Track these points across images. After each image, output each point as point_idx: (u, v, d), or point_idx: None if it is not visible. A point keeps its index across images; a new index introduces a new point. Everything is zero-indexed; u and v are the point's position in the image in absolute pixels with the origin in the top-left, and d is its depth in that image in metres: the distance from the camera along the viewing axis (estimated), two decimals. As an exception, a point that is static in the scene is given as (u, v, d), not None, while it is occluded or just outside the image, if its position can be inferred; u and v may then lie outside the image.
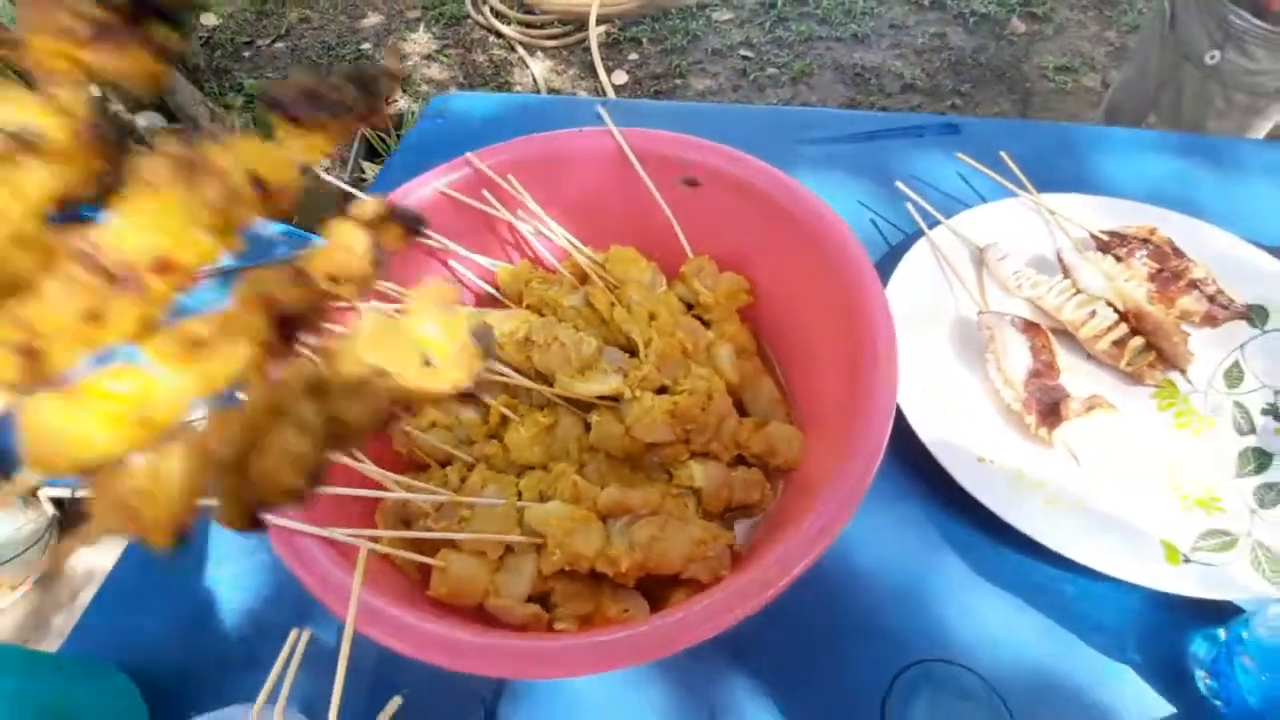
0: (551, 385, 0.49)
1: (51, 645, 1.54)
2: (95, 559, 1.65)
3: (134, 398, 0.19)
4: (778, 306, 0.56)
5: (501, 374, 0.49)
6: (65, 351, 0.19)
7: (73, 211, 0.19)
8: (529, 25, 2.74)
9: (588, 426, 0.49)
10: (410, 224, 0.23)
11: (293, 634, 0.39)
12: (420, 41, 2.85)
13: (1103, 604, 0.46)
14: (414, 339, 0.23)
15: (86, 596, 1.61)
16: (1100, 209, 0.63)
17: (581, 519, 0.43)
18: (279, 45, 3.01)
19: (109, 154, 0.19)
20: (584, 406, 0.50)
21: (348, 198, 1.85)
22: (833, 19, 2.62)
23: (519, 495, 0.45)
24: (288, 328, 0.21)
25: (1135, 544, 0.46)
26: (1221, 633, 0.44)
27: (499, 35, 2.76)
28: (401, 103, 2.58)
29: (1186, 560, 0.46)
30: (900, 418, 0.52)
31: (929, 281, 0.60)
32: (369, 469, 0.43)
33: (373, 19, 3.02)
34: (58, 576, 1.65)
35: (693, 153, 0.55)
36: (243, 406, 0.22)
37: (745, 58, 2.55)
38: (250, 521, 0.21)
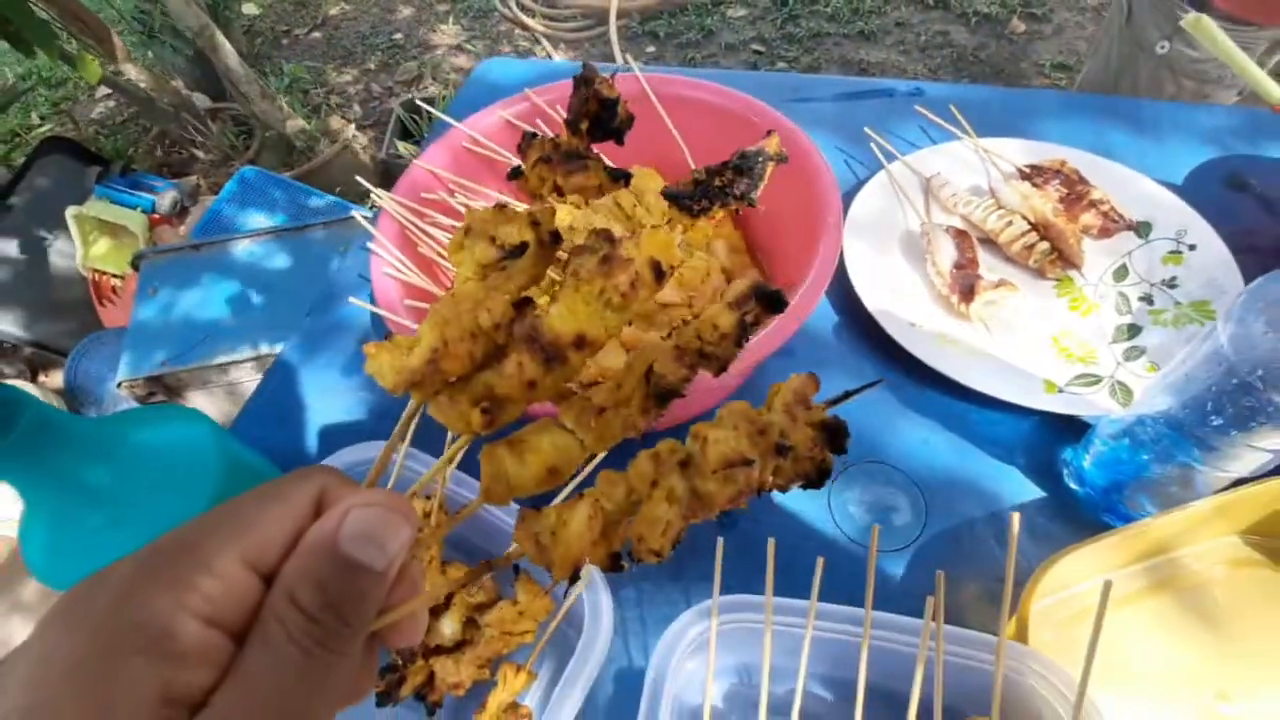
0: (587, 259, 0.65)
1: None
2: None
3: (550, 451, 0.24)
4: (763, 216, 0.72)
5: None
6: (512, 409, 0.24)
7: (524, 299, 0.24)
8: (552, 18, 2.89)
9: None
10: (770, 302, 0.25)
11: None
12: (449, 32, 3.02)
13: (998, 425, 0.61)
14: (771, 433, 0.25)
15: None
16: (1025, 149, 0.78)
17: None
18: (315, 34, 3.19)
19: (553, 256, 0.24)
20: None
21: (388, 171, 1.99)
22: (841, 16, 2.76)
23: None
24: (664, 397, 0.24)
25: (1025, 381, 0.61)
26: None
27: (524, 27, 2.93)
28: (432, 88, 2.75)
29: (1061, 391, 0.61)
30: (855, 298, 0.67)
31: (885, 203, 0.76)
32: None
33: (405, 11, 3.19)
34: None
35: (699, 92, 0.71)
36: (627, 473, 0.25)
37: (757, 52, 2.69)
38: (613, 565, 0.25)
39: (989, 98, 0.91)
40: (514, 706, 0.47)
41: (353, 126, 2.27)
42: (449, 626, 0.47)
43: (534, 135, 0.28)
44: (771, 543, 0.41)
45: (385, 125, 2.49)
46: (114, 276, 1.97)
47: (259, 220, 1.88)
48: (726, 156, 0.72)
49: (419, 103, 0.85)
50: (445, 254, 0.62)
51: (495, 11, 3.03)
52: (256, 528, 0.20)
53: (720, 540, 0.44)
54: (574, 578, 0.24)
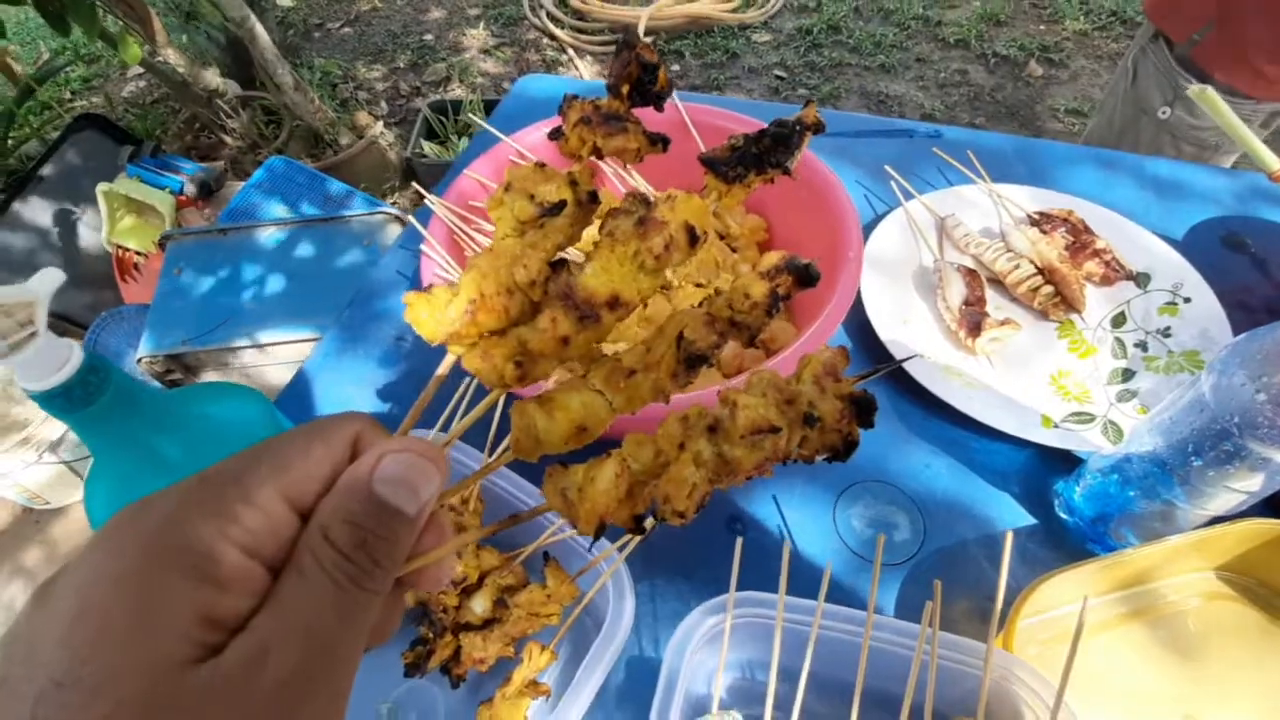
0: (621, 273, 0.69)
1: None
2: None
3: (579, 410, 0.24)
4: (786, 241, 0.76)
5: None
6: (544, 365, 0.24)
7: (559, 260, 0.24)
8: (580, 30, 2.95)
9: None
10: (802, 276, 0.25)
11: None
12: (478, 37, 3.07)
13: (996, 454, 0.65)
14: (800, 403, 0.25)
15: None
16: (1036, 197, 0.83)
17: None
18: (347, 30, 3.25)
19: (590, 215, 0.25)
20: (642, 291, 0.70)
21: (412, 170, 2.04)
22: (863, 49, 2.82)
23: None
24: (693, 363, 0.24)
25: (1023, 415, 0.65)
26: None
27: (552, 37, 2.99)
28: (459, 91, 2.80)
29: (1057, 426, 0.65)
30: (869, 326, 0.72)
31: (902, 239, 0.80)
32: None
33: (436, 13, 3.25)
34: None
35: (733, 124, 0.75)
36: (655, 435, 0.26)
37: (779, 77, 2.75)
38: (635, 525, 0.25)
39: (1003, 144, 0.96)
40: (534, 683, 0.50)
41: (380, 123, 2.31)
42: (480, 605, 0.51)
43: (575, 96, 0.28)
44: (787, 544, 0.45)
45: (410, 123, 2.54)
46: (137, 254, 2.00)
47: (284, 209, 1.92)
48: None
49: (471, 116, 0.90)
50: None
51: (525, 20, 3.09)
52: (296, 466, 0.21)
53: (740, 540, 0.48)
54: (598, 534, 0.25)
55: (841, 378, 0.26)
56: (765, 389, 0.25)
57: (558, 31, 2.94)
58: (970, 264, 0.78)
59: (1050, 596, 0.53)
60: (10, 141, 2.34)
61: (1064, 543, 0.61)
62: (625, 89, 0.27)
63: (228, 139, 2.34)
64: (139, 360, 1.57)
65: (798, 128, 0.28)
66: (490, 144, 0.75)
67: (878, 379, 0.71)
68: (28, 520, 1.84)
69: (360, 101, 2.76)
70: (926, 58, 2.77)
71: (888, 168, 0.85)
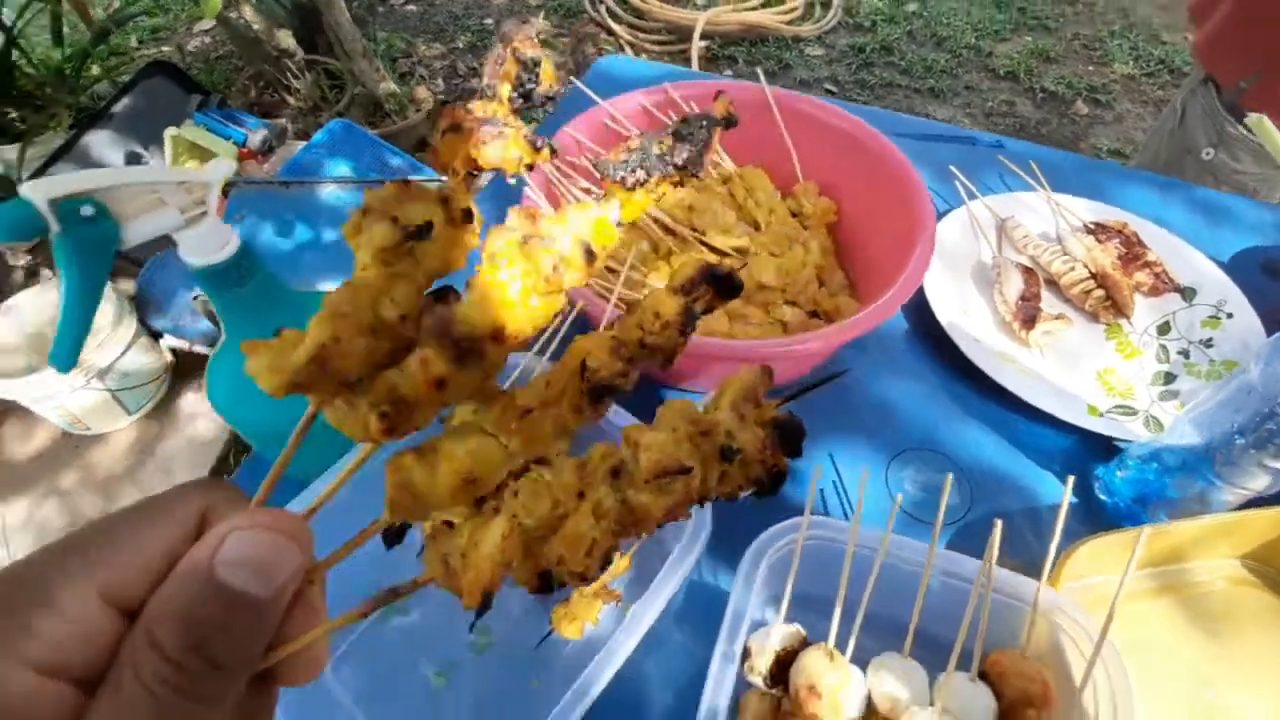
0: (703, 235, 0.73)
1: (159, 468, 1.78)
2: (199, 403, 1.90)
3: (465, 459, 0.21)
4: (857, 221, 0.80)
5: (674, 228, 0.74)
6: (421, 412, 0.21)
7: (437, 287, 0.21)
8: (638, 28, 3.01)
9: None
10: (722, 287, 0.22)
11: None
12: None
13: (1042, 437, 0.70)
14: (716, 435, 0.22)
15: (191, 429, 1.85)
16: (1092, 209, 0.87)
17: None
18: (411, 7, 3.32)
19: (466, 236, 0.21)
20: (719, 254, 0.74)
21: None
22: (914, 71, 2.87)
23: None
24: (599, 394, 0.21)
25: (1071, 403, 0.70)
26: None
27: (610, 33, 3.05)
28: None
29: (1102, 415, 0.69)
30: (926, 311, 0.76)
31: (963, 235, 0.85)
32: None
33: (499, -1, 3.32)
34: (167, 411, 1.90)
35: (818, 111, 0.80)
36: (550, 482, 0.23)
37: (829, 91, 2.80)
38: (542, 586, 0.22)
39: (1061, 160, 1.00)
40: (606, 589, 0.55)
41: (438, 99, 2.38)
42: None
43: (445, 103, 0.26)
44: (865, 469, 0.50)
45: (464, 102, 2.61)
46: (196, 200, 2.06)
47: (342, 170, 1.99)
48: (834, 168, 0.81)
49: (555, 84, 0.94)
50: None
51: (585, 14, 3.15)
52: (121, 553, 0.18)
53: (818, 467, 0.53)
54: (485, 606, 0.21)
55: (763, 402, 0.24)
56: (676, 423, 0.23)
57: (616, 27, 3.00)
58: (1027, 263, 0.82)
59: (1088, 564, 0.57)
60: (81, 80, 2.41)
61: (1102, 522, 0.65)
62: (505, 90, 0.24)
63: (290, 99, 2.41)
64: (194, 298, 1.63)
65: (703, 125, 0.25)
66: (574, 109, 0.80)
67: (929, 357, 0.76)
68: (67, 445, 1.90)
69: (421, 77, 2.83)
70: (975, 86, 2.82)
71: (952, 168, 0.90)
